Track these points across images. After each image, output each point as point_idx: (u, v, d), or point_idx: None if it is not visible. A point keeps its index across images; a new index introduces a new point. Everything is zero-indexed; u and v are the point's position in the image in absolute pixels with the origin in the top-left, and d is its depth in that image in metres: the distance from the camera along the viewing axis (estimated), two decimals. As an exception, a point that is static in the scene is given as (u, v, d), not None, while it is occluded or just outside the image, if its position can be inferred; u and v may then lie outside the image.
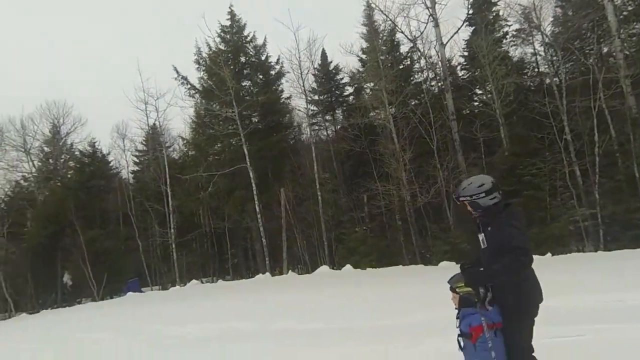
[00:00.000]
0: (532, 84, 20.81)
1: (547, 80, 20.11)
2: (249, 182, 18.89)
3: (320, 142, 21.69)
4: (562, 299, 6.25)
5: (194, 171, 20.26)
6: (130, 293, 17.11)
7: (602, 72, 14.30)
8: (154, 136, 25.91)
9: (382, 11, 19.57)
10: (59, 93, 54.63)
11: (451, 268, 12.78)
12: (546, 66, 21.05)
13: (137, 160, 30.00)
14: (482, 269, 2.78)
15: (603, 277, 7.65)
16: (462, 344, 2.71)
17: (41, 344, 8.45)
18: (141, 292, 19.39)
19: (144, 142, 28.95)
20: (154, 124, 23.99)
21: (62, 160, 27.99)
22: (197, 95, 21.54)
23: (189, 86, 21.04)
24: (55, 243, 20.42)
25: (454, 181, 16.53)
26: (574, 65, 17.45)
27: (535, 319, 2.77)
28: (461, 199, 2.87)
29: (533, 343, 2.79)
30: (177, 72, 20.73)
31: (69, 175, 26.07)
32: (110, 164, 27.80)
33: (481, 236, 2.85)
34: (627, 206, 12.98)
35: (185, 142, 24.52)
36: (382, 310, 7.26)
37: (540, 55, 21.21)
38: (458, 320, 2.76)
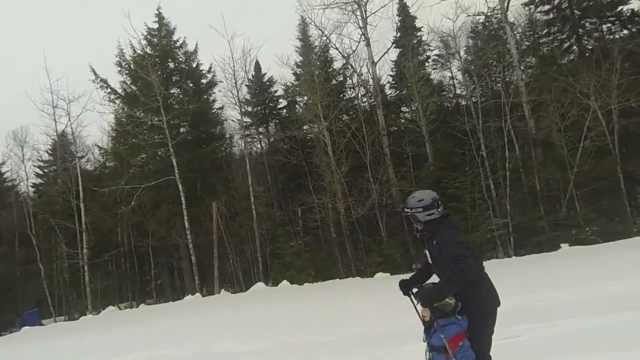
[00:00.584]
0: (450, 104, 22.89)
1: (464, 102, 22.36)
2: (177, 195, 17.59)
3: (253, 155, 21.10)
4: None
5: (114, 184, 18.27)
6: (25, 328, 14.55)
7: (510, 97, 16.20)
8: (64, 144, 22.98)
9: (317, 26, 20.01)
10: None
11: (386, 279, 13.15)
12: (462, 89, 23.45)
13: (41, 172, 26.30)
14: (427, 285, 2.84)
15: (526, 279, 8.38)
16: (431, 358, 2.67)
17: None
18: (41, 325, 16.69)
19: (49, 151, 25.54)
20: (64, 130, 21.20)
21: None
22: (118, 101, 19.65)
23: (109, 90, 19.13)
24: None
25: (386, 194, 17.26)
26: (485, 89, 19.55)
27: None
28: (405, 210, 2.99)
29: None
30: (95, 73, 18.78)
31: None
32: (4, 175, 23.83)
33: (426, 252, 2.96)
34: (531, 216, 14.67)
35: (102, 151, 22.10)
36: (324, 324, 7.10)
37: (456, 79, 23.51)
38: (426, 334, 2.73)
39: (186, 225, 16.87)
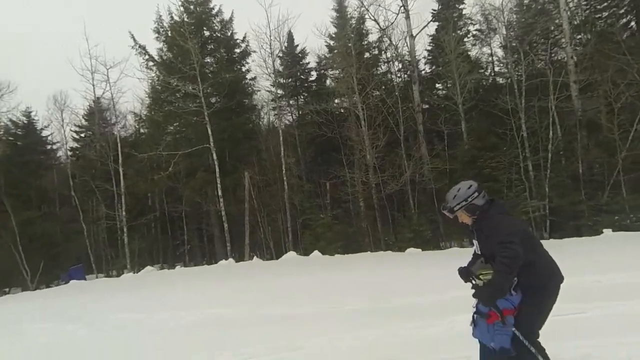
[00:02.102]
0: (486, 82, 22.03)
1: (502, 80, 21.51)
2: (210, 163, 17.94)
3: (284, 127, 21.09)
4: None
5: (148, 150, 18.79)
6: (73, 281, 15.55)
7: (557, 75, 15.43)
8: (100, 110, 23.58)
9: (357, -3, 19.28)
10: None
11: (417, 254, 13.24)
12: (501, 66, 22.50)
13: (77, 137, 27.20)
14: (485, 284, 2.73)
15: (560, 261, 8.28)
16: (475, 320, 2.72)
17: None
18: (85, 279, 17.75)
19: (85, 117, 26.28)
20: (102, 95, 21.67)
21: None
22: (154, 68, 19.86)
23: (147, 57, 19.32)
24: (-23, 224, 17.91)
25: (419, 171, 17.10)
26: (529, 66, 18.70)
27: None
28: (456, 207, 2.81)
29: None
30: (134, 39, 18.94)
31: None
32: (48, 138, 24.82)
33: (475, 242, 2.87)
34: (571, 199, 14.27)
35: (138, 118, 22.60)
36: (367, 294, 7.26)
37: (496, 56, 22.50)
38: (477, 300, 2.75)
39: (219, 193, 17.27)
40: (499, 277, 2.56)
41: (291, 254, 14.62)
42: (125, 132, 25.16)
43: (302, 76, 24.95)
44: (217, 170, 17.17)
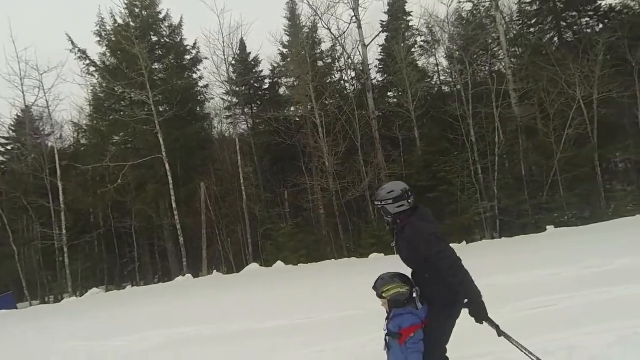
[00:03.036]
0: (435, 90, 23.26)
1: (447, 89, 22.85)
2: (162, 175, 16.95)
3: (240, 135, 20.57)
4: (502, 278, 7.05)
5: (92, 161, 17.31)
6: (2, 311, 13.74)
7: (497, 84, 16.64)
8: (34, 119, 21.41)
9: (310, 5, 19.51)
10: None
11: (381, 259, 13.43)
12: (446, 75, 23.90)
13: (2, 150, 24.40)
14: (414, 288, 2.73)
15: (519, 258, 8.82)
16: (388, 342, 2.70)
17: None
18: (16, 308, 15.81)
19: (12, 127, 23.67)
20: (33, 104, 19.61)
21: None
22: (97, 74, 18.44)
23: (87, 62, 17.88)
24: None
25: (377, 177, 17.48)
26: (472, 76, 20.00)
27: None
28: (375, 202, 2.95)
29: None
30: (73, 42, 17.45)
31: None
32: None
33: (394, 244, 2.90)
34: (517, 199, 15.38)
35: (77, 128, 20.80)
36: (339, 302, 7.17)
37: (442, 66, 23.86)
38: (387, 320, 2.75)
39: (174, 205, 16.35)
40: (453, 278, 2.53)
41: (253, 266, 14.19)
42: (62, 144, 23.10)
43: (255, 84, 24.64)
44: (171, 181, 16.25)
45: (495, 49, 20.14)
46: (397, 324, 2.63)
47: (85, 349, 6.46)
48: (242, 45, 23.70)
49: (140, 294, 13.08)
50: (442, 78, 24.23)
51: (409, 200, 2.82)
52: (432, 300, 2.65)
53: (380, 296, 2.69)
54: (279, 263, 13.94)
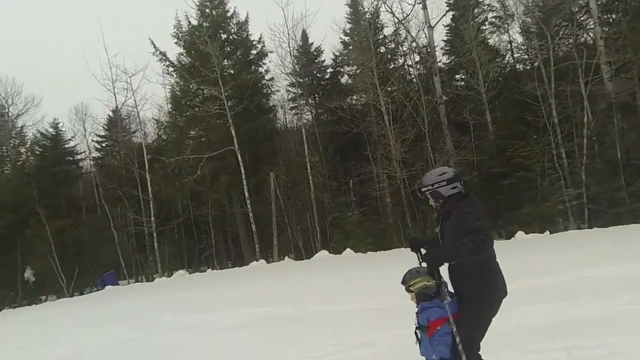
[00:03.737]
0: (506, 70, 21.57)
1: (522, 67, 21.05)
2: (235, 166, 17.99)
3: (306, 126, 21.00)
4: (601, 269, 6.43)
5: (171, 155, 18.93)
6: (109, 287, 15.81)
7: (585, 57, 14.94)
8: (120, 118, 23.89)
9: (374, -11, 19.05)
10: (6, 69, 48.09)
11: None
12: (521, 53, 22.04)
13: (99, 146, 27.63)
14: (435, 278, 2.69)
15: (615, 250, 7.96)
16: (419, 336, 2.69)
17: (48, 337, 7.46)
18: (118, 285, 18.04)
19: (105, 126, 26.66)
20: (123, 103, 21.86)
21: (11, 145, 25.13)
22: (175, 74, 20.02)
23: (167, 63, 19.49)
24: (15, 235, 18.34)
25: (446, 164, 16.82)
26: (555, 51, 18.19)
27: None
28: (423, 189, 2.81)
29: None
30: (155, 46, 19.11)
31: (25, 160, 23.45)
32: (74, 148, 25.31)
33: (438, 229, 2.81)
34: (610, 186, 13.83)
35: (159, 124, 22.84)
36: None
37: (515, 42, 22.00)
38: (416, 315, 2.74)
39: (246, 194, 17.30)
40: (459, 249, 2.47)
41: (323, 253, 14.57)
42: (146, 139, 25.53)
43: (318, 74, 24.89)
44: (243, 171, 17.20)
45: (582, 18, 18.05)
46: (425, 317, 2.64)
47: (185, 321, 7.21)
48: (305, 36, 24.07)
49: (221, 276, 14.17)
50: (516, 56, 22.44)
51: (461, 183, 2.77)
52: (467, 295, 2.59)
53: (408, 290, 2.70)
54: (348, 250, 14.16)
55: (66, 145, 24.54)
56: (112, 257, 20.13)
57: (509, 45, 22.08)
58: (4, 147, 24.24)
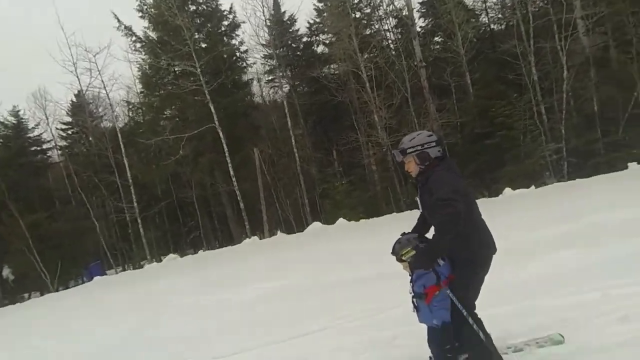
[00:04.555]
0: (483, 30, 21.58)
1: (496, 27, 21.08)
2: (215, 143, 17.41)
3: (285, 98, 20.46)
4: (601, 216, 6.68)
5: (147, 137, 18.06)
6: (97, 277, 15.31)
7: (558, 14, 15.04)
8: (89, 101, 22.45)
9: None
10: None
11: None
12: (494, 13, 22.06)
13: (64, 134, 25.94)
14: (423, 244, 2.66)
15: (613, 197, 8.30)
16: (416, 304, 2.67)
17: (65, 331, 7.16)
18: (105, 275, 17.52)
19: (68, 112, 24.93)
20: (89, 85, 20.36)
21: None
22: (143, 50, 18.77)
23: (134, 38, 18.20)
24: (-14, 232, 17.32)
25: (430, 127, 16.91)
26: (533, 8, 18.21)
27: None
28: (409, 150, 2.67)
29: None
30: (119, 20, 17.73)
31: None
32: (40, 137, 23.59)
33: (417, 199, 2.75)
34: (587, 138, 14.36)
35: (129, 106, 21.63)
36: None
37: (490, 2, 21.93)
38: (411, 283, 2.70)
39: (231, 172, 16.87)
40: (438, 237, 2.45)
41: (316, 224, 14.55)
42: (118, 122, 24.21)
43: (292, 44, 24.07)
44: (226, 149, 16.69)
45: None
46: (421, 284, 2.60)
47: (198, 303, 7.05)
48: (277, 4, 23.04)
49: (216, 256, 13.95)
50: (490, 15, 22.45)
51: (443, 147, 2.71)
52: (453, 256, 2.57)
53: (400, 260, 2.64)
54: (341, 220, 14.19)
55: (30, 135, 22.87)
56: (94, 248, 19.43)
57: (483, 5, 22.07)
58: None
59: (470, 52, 17.69)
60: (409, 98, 17.40)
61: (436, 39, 21.82)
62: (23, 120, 22.31)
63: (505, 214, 7.57)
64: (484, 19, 22.37)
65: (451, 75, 17.75)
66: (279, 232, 15.71)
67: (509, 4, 18.43)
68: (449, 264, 2.59)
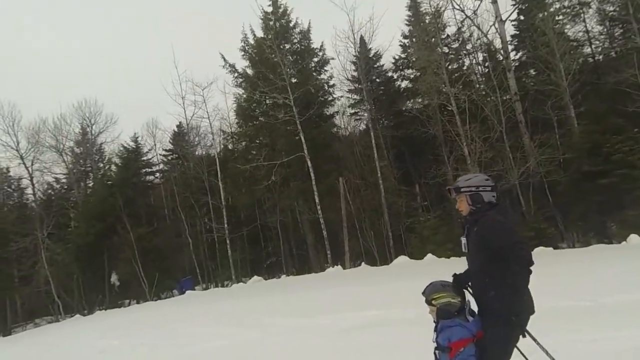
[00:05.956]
0: (583, 60, 20.01)
1: (600, 57, 19.41)
2: (302, 171, 18.09)
3: (370, 130, 20.79)
4: None
5: (239, 163, 19.48)
6: (189, 291, 16.37)
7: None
8: (191, 129, 25.22)
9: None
10: (91, 89, 53.71)
11: (543, 253, 11.98)
12: (598, 43, 20.48)
13: (165, 159, 29.26)
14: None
15: None
16: (437, 357, 2.54)
17: (168, 336, 7.72)
18: (195, 290, 18.66)
19: (170, 140, 28.17)
20: (192, 116, 23.03)
21: (95, 160, 27.34)
22: (243, 84, 20.72)
23: (236, 74, 20.24)
24: (102, 242, 19.73)
25: (527, 164, 15.76)
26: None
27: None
28: (463, 189, 2.69)
29: None
30: (225, 59, 19.94)
31: (105, 173, 25.45)
32: (151, 160, 27.27)
33: (463, 240, 2.73)
34: None
35: (225, 135, 23.79)
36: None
37: (592, 33, 20.50)
38: (435, 333, 2.57)
39: (316, 200, 17.29)
40: (514, 277, 2.36)
41: (403, 258, 14.11)
42: (213, 150, 26.65)
43: (377, 79, 24.68)
44: (313, 177, 17.24)
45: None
46: (446, 336, 2.48)
47: (296, 324, 7.12)
48: (362, 41, 24.01)
49: (300, 282, 14.11)
50: (594, 46, 20.88)
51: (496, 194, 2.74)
52: (490, 311, 2.45)
53: (429, 303, 2.56)
54: (430, 255, 13.59)
55: (144, 158, 26.30)
56: (186, 264, 20.94)
57: (585, 35, 20.66)
58: (88, 162, 26.48)
59: (573, 84, 16.44)
60: (504, 132, 16.52)
61: (531, 71, 20.80)
62: (140, 145, 25.88)
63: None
64: (587, 49, 20.92)
65: (552, 109, 16.56)
66: (362, 263, 15.47)
67: (617, 34, 16.93)
68: (478, 320, 2.46)
